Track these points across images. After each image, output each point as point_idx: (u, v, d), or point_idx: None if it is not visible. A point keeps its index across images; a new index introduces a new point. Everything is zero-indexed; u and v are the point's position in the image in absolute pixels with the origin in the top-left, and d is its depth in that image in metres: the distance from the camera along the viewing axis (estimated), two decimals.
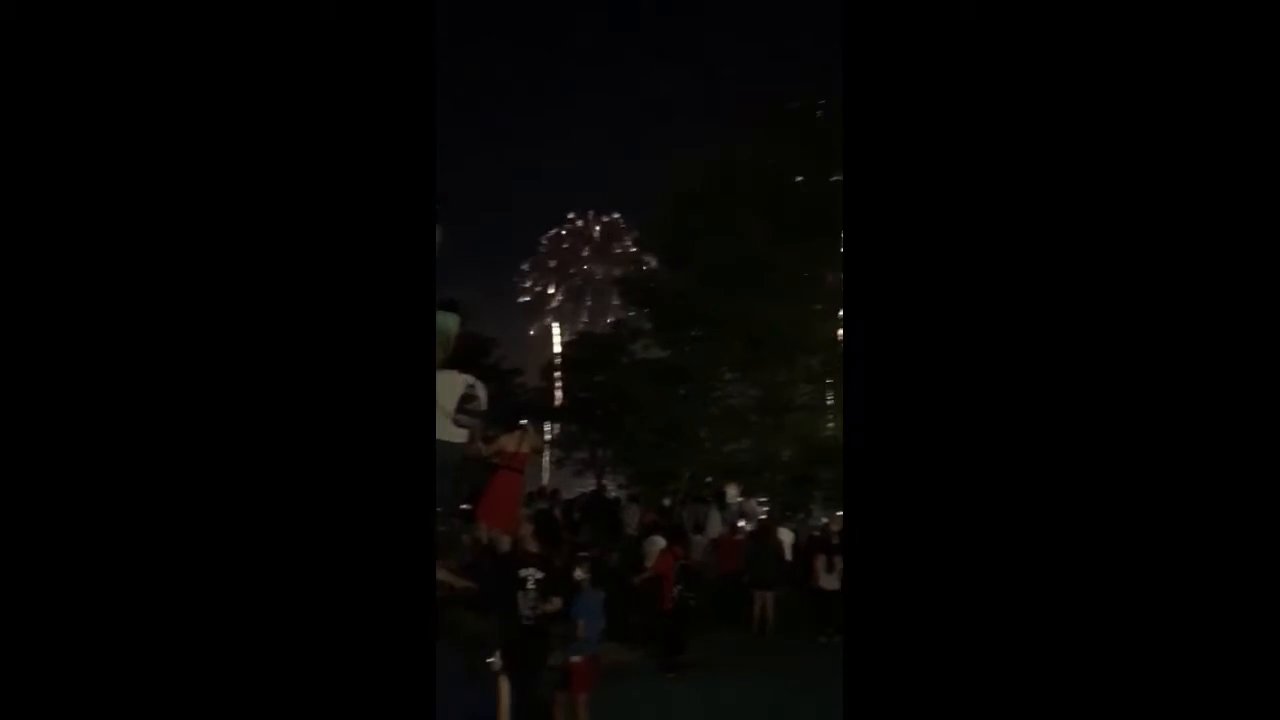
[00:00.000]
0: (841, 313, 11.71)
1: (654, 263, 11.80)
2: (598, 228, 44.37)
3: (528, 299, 45.89)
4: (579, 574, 5.32)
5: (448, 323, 6.38)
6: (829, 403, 11.60)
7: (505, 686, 2.01)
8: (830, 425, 11.60)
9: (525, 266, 46.04)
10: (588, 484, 15.89)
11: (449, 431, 5.60)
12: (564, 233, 45.03)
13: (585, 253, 45.08)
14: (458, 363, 6.20)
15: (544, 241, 45.41)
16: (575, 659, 4.77)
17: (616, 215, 42.93)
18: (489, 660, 2.03)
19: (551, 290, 45.69)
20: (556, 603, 5.08)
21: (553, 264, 45.55)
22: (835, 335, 11.92)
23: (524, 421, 6.54)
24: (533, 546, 5.47)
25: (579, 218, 44.69)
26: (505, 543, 5.93)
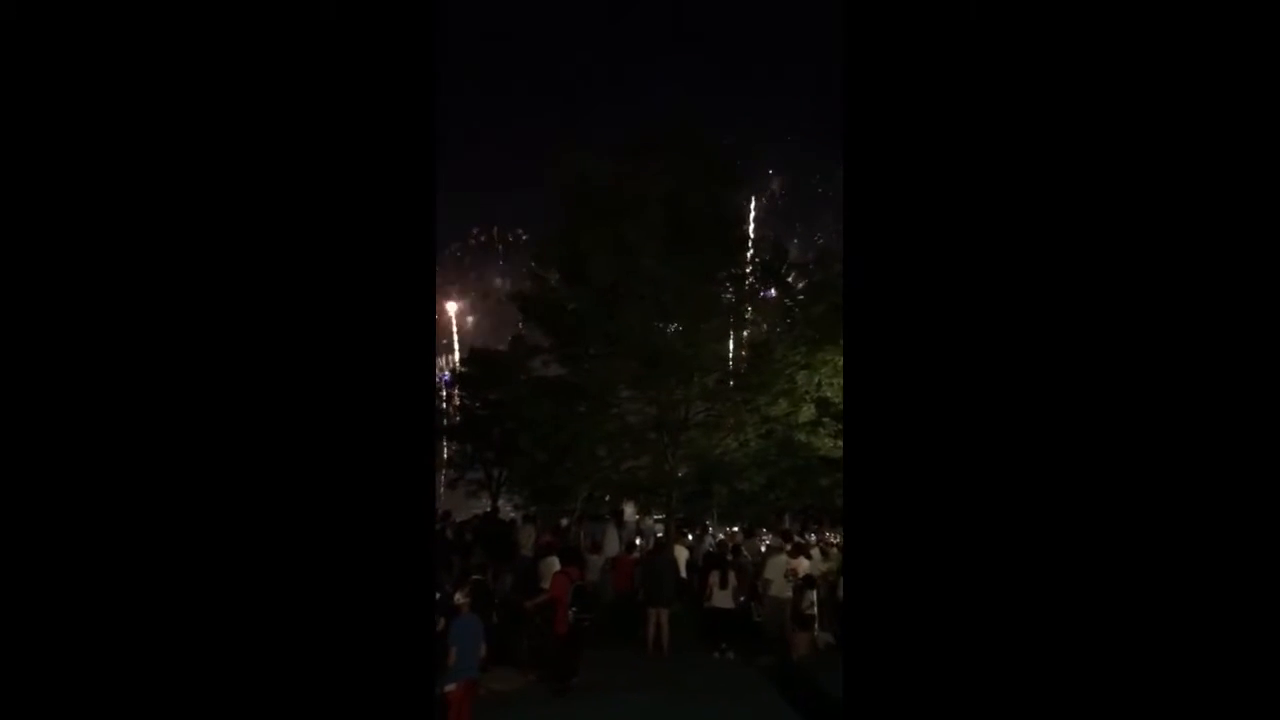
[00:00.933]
0: (733, 334, 12.00)
1: (552, 280, 11.69)
2: (500, 246, 43.83)
3: None
4: (459, 598, 5.13)
5: None
6: (727, 421, 11.82)
7: None
8: (727, 441, 11.81)
9: None
10: (483, 505, 15.48)
11: None
12: (465, 247, 44.15)
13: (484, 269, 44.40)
14: None
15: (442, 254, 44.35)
16: (449, 687, 4.57)
17: (520, 231, 42.59)
18: None
19: (448, 304, 44.71)
20: (441, 624, 4.89)
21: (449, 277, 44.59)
22: (727, 354, 12.18)
23: None
24: None
25: (481, 232, 44.00)
26: None
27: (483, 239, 44.37)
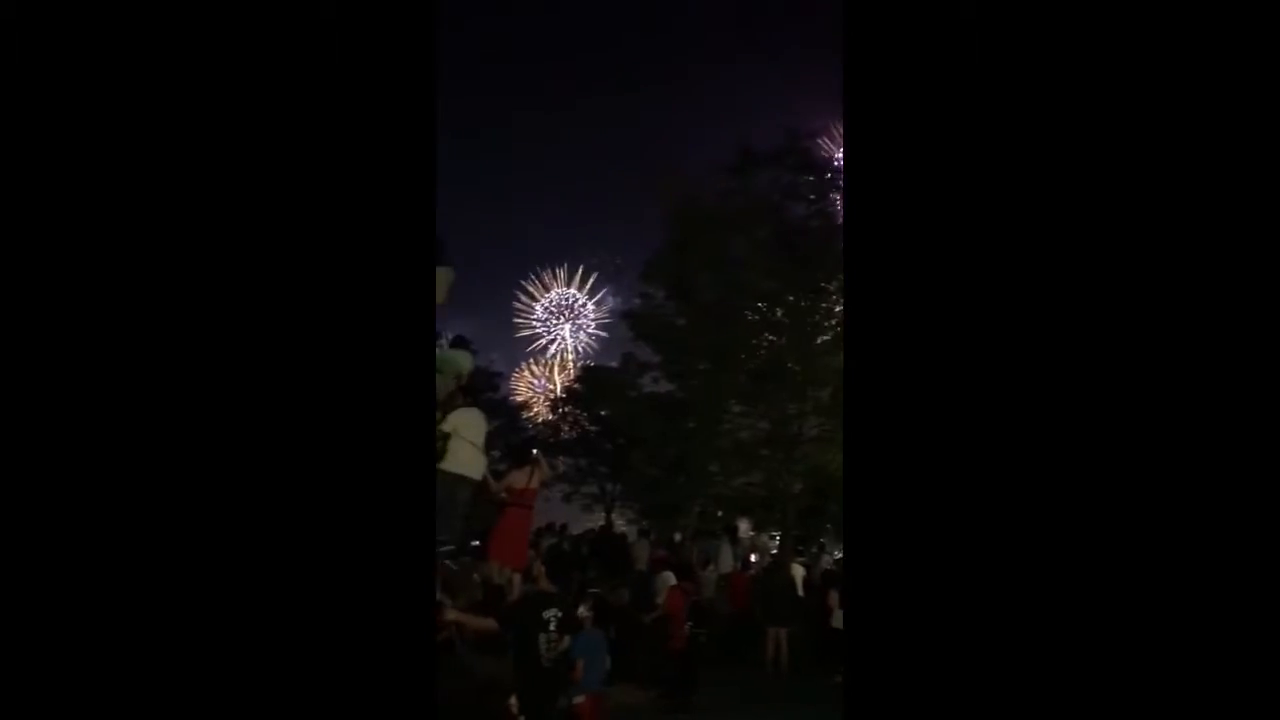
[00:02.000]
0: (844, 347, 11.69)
1: (659, 296, 11.85)
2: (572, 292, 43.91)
3: (530, 332, 45.80)
4: (582, 611, 5.25)
5: (460, 360, 6.43)
6: (842, 436, 11.55)
7: None
8: (840, 459, 11.52)
9: (524, 300, 45.87)
10: (597, 519, 15.78)
11: (476, 467, 5.61)
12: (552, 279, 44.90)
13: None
14: (469, 396, 6.20)
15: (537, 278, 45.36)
16: (578, 700, 4.69)
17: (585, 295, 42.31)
18: (509, 703, 2.00)
19: (556, 323, 45.64)
20: (566, 641, 5.02)
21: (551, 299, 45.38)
22: (842, 367, 11.88)
23: (534, 455, 6.52)
24: (546, 585, 5.41)
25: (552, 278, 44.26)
26: (517, 581, 5.88)
27: (593, 260, 45.08)
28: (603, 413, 15.02)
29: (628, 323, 12.85)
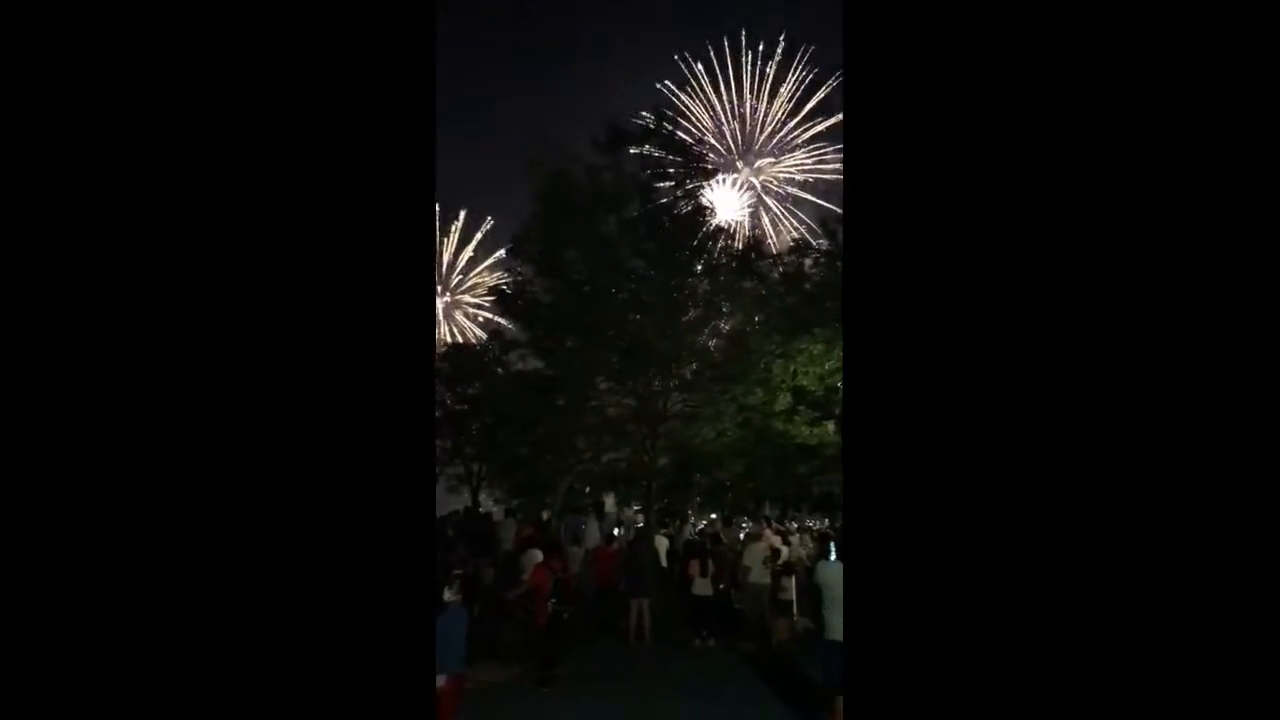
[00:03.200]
0: (709, 325, 12.10)
1: (528, 272, 11.69)
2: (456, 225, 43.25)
3: None
4: (447, 594, 5.16)
5: None
6: (705, 411, 11.94)
7: None
8: (705, 431, 11.93)
9: None
10: (464, 499, 15.48)
11: None
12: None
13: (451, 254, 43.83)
14: None
15: None
16: (441, 680, 4.62)
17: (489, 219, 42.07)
18: None
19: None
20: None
21: None
22: (707, 344, 12.29)
23: None
24: None
25: (446, 211, 43.30)
26: None
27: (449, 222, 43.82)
28: (468, 390, 14.68)
29: (495, 298, 12.58)
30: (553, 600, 7.24)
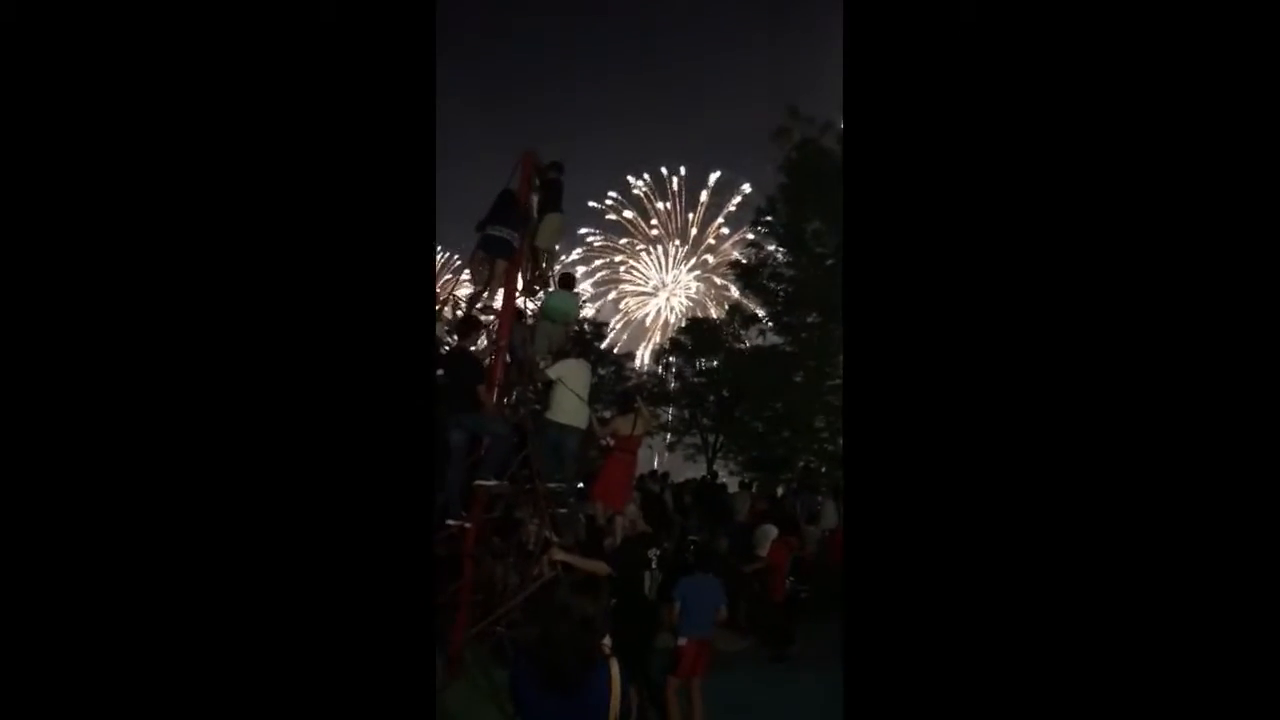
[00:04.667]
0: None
1: (770, 248, 11.54)
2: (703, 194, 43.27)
3: (635, 283, 45.89)
4: (689, 559, 5.31)
5: (568, 303, 6.53)
6: None
7: (616, 668, 2.02)
8: None
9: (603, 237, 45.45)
10: (700, 470, 15.91)
11: (580, 418, 5.77)
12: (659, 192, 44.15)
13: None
14: (578, 347, 6.32)
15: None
16: (681, 642, 4.77)
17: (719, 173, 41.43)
18: (602, 643, 2.05)
19: (659, 273, 45.51)
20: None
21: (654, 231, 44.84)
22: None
23: (638, 405, 6.61)
24: (643, 526, 5.53)
25: (672, 173, 43.47)
26: (619, 522, 6.04)
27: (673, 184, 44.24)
28: (708, 364, 14.97)
29: (735, 273, 12.62)
30: (790, 578, 7.17)
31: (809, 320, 11.05)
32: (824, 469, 12.94)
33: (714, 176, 41.99)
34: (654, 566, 4.95)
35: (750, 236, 12.37)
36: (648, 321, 44.32)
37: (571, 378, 5.73)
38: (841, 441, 11.07)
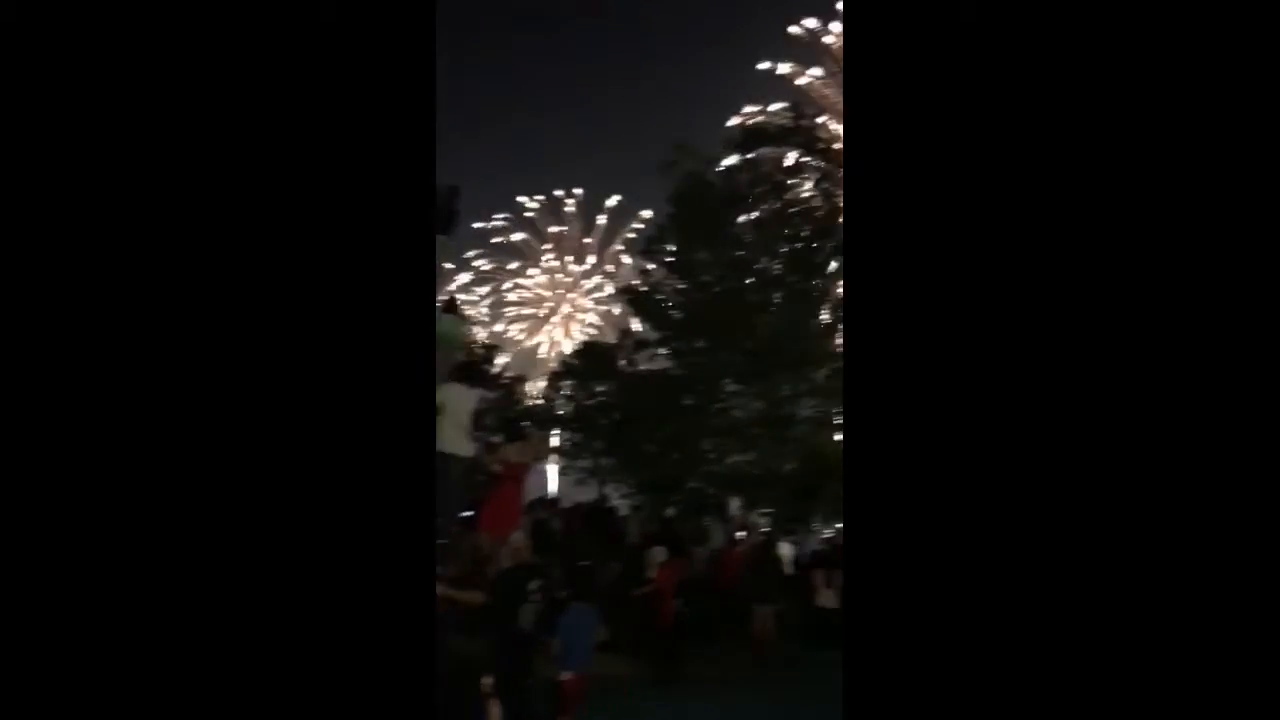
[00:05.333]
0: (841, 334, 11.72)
1: (659, 273, 11.81)
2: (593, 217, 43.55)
3: (526, 307, 45.45)
4: (565, 592, 5.27)
5: (452, 329, 6.41)
6: (836, 419, 11.59)
7: (496, 708, 1.99)
8: (835, 439, 11.58)
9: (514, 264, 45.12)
10: (591, 494, 15.86)
11: (461, 445, 5.63)
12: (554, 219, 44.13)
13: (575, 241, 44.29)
14: (463, 372, 6.19)
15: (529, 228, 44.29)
16: (564, 677, 4.74)
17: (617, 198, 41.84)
18: (483, 681, 2.01)
19: (548, 298, 45.29)
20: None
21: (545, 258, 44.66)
22: (840, 349, 11.90)
23: (528, 430, 6.54)
24: (529, 556, 5.46)
25: (566, 197, 43.52)
26: (506, 552, 5.93)
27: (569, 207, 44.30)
28: (600, 388, 15.03)
29: (626, 299, 12.80)
30: (679, 599, 7.26)
31: (697, 345, 11.35)
32: (712, 490, 13.24)
33: (610, 201, 42.37)
34: (534, 597, 4.89)
35: (642, 264, 12.60)
36: (541, 346, 43.96)
37: (452, 404, 5.62)
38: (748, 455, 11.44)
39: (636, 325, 14.24)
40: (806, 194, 11.01)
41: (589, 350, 16.64)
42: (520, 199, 43.63)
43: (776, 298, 10.84)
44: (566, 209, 43.77)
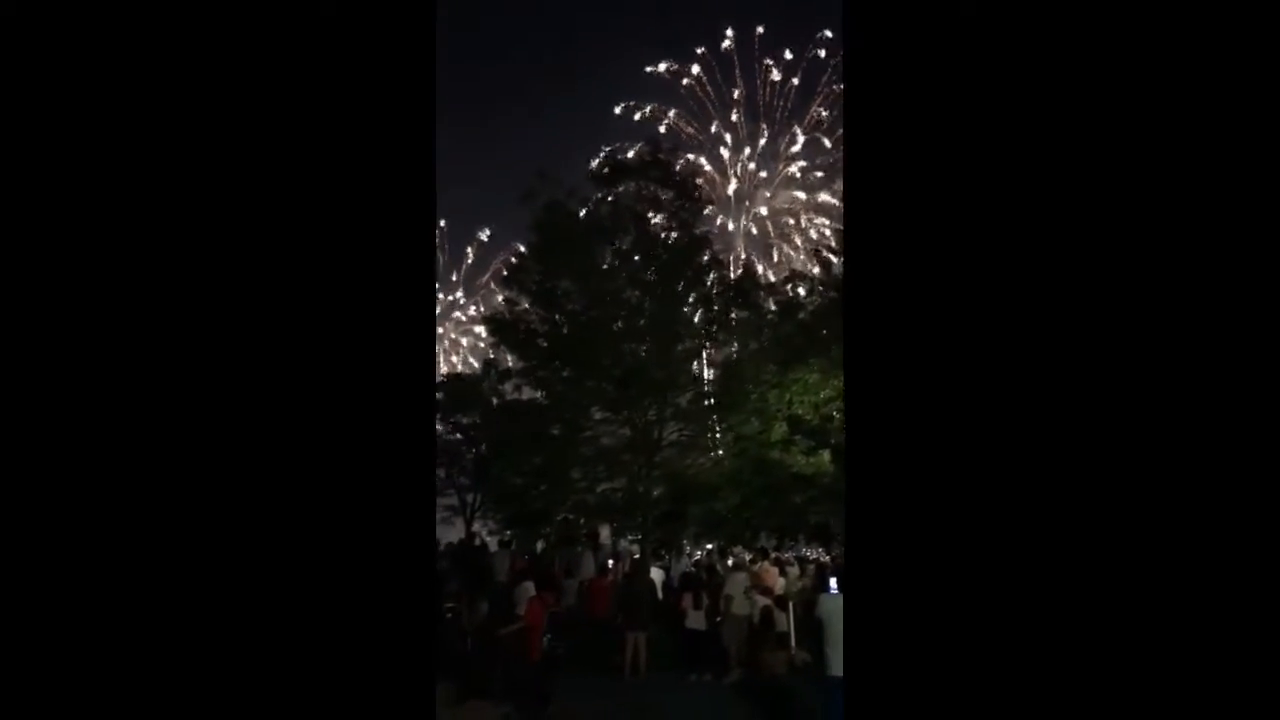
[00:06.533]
0: (705, 353, 12.10)
1: (524, 302, 11.72)
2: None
3: None
4: None
5: None
6: (702, 441, 11.89)
7: None
8: (701, 462, 11.87)
9: None
10: (457, 531, 15.33)
11: None
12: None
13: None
14: None
15: None
16: None
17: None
18: None
19: None
20: None
21: None
22: (702, 374, 12.29)
23: None
24: None
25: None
26: None
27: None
28: (464, 420, 14.63)
29: (490, 328, 12.60)
30: (547, 635, 7.14)
31: (563, 374, 11.33)
32: (582, 520, 13.17)
33: (482, 234, 41.83)
34: None
35: (506, 292, 12.46)
36: None
37: None
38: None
39: (502, 355, 14.03)
40: (663, 224, 11.34)
41: (453, 382, 16.18)
42: None
43: (639, 325, 11.04)
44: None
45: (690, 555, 14.31)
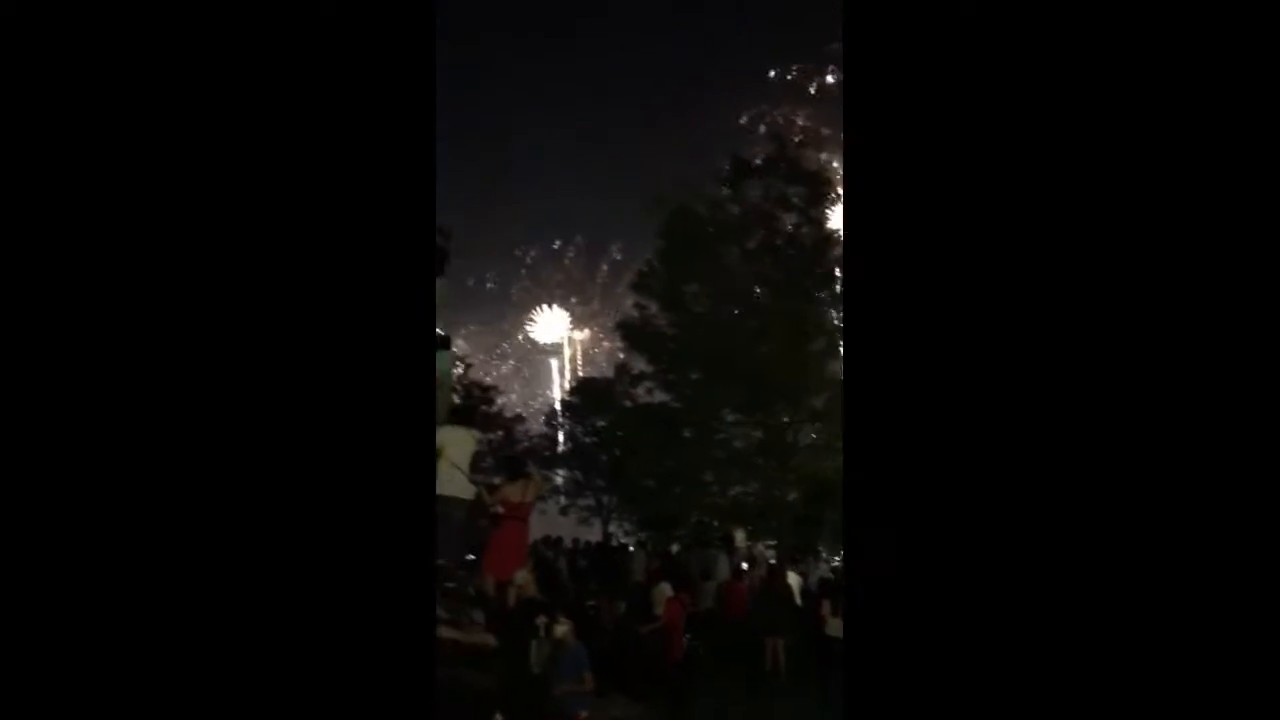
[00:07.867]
0: (843, 350, 11.77)
1: (653, 307, 11.88)
2: (597, 263, 44.00)
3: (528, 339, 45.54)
4: (560, 630, 5.19)
5: (445, 364, 6.41)
6: (838, 444, 11.57)
7: None
8: (838, 465, 11.55)
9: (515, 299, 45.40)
10: (594, 532, 15.72)
11: (462, 488, 5.61)
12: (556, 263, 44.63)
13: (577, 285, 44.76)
14: (461, 414, 6.20)
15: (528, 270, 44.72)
16: (581, 715, 4.67)
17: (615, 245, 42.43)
18: (495, 717, 2.01)
19: (549, 332, 45.37)
20: (564, 633, 4.99)
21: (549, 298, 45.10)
22: (838, 374, 11.95)
23: (528, 470, 6.53)
24: (535, 594, 5.42)
25: (567, 246, 44.15)
26: (511, 594, 5.88)
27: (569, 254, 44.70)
28: (599, 424, 14.99)
29: (621, 333, 12.86)
30: (687, 635, 7.18)
31: (693, 377, 11.37)
32: (716, 523, 13.15)
33: (615, 246, 42.77)
34: (542, 634, 4.83)
35: (636, 298, 12.69)
36: (539, 383, 43.94)
37: (450, 447, 5.62)
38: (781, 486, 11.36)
39: (634, 358, 14.29)
40: (793, 223, 11.15)
41: (586, 386, 16.64)
42: (517, 252, 44.11)
43: (770, 326, 10.91)
44: (568, 257, 44.12)
45: (829, 561, 13.92)
